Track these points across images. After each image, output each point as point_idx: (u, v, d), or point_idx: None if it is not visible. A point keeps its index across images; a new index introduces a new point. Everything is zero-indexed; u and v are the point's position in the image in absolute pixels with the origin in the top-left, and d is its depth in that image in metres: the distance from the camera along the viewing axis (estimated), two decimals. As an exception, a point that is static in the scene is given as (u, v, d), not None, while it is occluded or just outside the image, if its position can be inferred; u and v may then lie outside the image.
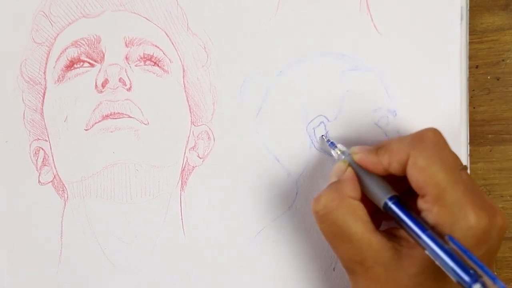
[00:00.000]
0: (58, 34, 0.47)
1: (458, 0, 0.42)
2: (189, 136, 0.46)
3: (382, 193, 0.36)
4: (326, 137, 0.43)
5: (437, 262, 0.32)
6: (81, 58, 0.46)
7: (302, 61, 0.44)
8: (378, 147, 0.37)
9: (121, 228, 0.46)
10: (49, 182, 0.47)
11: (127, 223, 0.46)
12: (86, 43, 0.46)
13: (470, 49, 0.44)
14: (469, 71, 0.44)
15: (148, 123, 0.46)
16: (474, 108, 0.45)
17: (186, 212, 0.46)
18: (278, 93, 0.45)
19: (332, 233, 0.36)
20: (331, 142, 0.42)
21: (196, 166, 0.46)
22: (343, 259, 0.37)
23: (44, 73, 0.47)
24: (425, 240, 0.33)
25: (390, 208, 0.35)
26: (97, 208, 0.46)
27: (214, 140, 0.45)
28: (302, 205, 0.45)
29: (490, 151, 0.46)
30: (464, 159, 0.44)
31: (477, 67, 0.45)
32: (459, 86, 0.42)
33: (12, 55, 0.47)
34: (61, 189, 0.47)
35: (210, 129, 0.45)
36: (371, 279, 0.35)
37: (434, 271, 0.33)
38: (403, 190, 0.37)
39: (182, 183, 0.46)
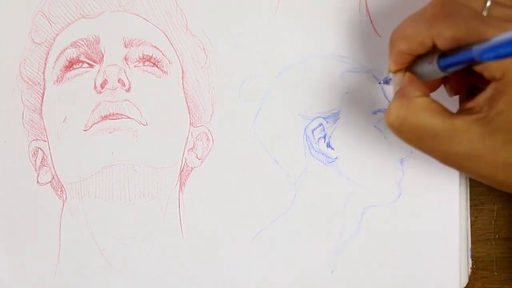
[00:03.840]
0: (57, 35, 0.47)
1: (458, 2, 0.41)
2: (187, 137, 0.46)
3: (430, 58, 0.35)
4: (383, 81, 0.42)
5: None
6: (80, 58, 0.46)
7: (301, 63, 0.44)
8: (390, 43, 0.37)
9: (119, 229, 0.46)
10: (47, 183, 0.47)
11: (126, 224, 0.46)
12: (85, 43, 0.46)
13: (470, 50, 0.44)
14: (469, 72, 0.44)
15: (147, 124, 0.46)
16: (474, 109, 0.45)
17: (184, 213, 0.46)
18: (277, 95, 0.45)
19: (416, 137, 0.35)
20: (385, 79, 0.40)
21: (194, 167, 0.46)
22: (441, 157, 0.35)
23: (43, 73, 0.47)
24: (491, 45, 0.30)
25: (445, 60, 0.34)
26: (96, 209, 0.46)
27: (212, 141, 0.45)
28: (300, 207, 0.45)
29: (490, 151, 0.46)
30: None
31: (477, 67, 0.45)
32: (459, 87, 0.42)
33: (11, 55, 0.47)
34: (59, 190, 0.47)
35: (208, 130, 0.45)
36: (473, 160, 0.34)
37: None
38: None
39: (180, 184, 0.46)
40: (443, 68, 0.35)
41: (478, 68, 0.34)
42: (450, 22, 0.34)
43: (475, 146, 0.33)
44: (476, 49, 0.31)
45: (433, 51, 0.35)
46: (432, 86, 0.39)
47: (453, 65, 0.34)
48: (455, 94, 0.39)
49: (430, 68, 0.36)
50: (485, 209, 0.46)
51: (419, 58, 0.37)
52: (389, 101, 0.43)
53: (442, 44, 0.34)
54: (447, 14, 0.34)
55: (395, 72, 0.38)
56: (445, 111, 0.34)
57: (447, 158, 0.35)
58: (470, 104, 0.34)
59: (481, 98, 0.34)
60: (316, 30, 0.44)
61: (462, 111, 0.35)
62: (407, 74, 0.37)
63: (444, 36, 0.34)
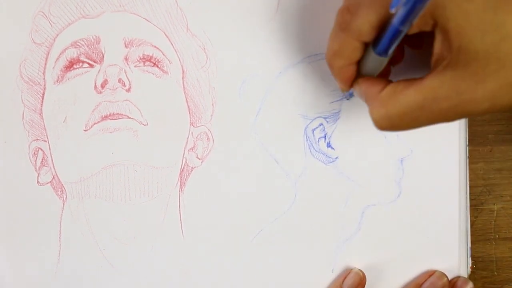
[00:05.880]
0: (57, 35, 0.47)
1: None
2: (188, 137, 0.46)
3: (367, 54, 0.36)
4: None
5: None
6: (80, 58, 0.46)
7: (301, 63, 0.44)
8: (329, 66, 0.38)
9: (119, 229, 0.46)
10: (48, 183, 0.47)
11: (126, 224, 0.46)
12: (85, 43, 0.46)
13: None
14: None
15: (147, 124, 0.46)
16: (474, 109, 0.45)
17: (184, 213, 0.46)
18: (277, 95, 0.45)
19: (410, 120, 0.34)
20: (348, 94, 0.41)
21: (195, 167, 0.46)
22: (442, 119, 0.34)
23: (44, 73, 0.47)
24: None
25: (379, 47, 0.35)
26: (96, 209, 0.46)
27: (213, 141, 0.45)
28: (301, 206, 0.45)
29: (490, 151, 0.46)
30: (464, 159, 0.44)
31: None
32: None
33: (11, 55, 0.47)
34: (60, 190, 0.47)
35: (209, 130, 0.45)
36: (468, 102, 0.33)
37: None
38: None
39: (181, 184, 0.46)
40: (384, 54, 0.35)
41: (413, 30, 0.34)
42: (362, 17, 0.34)
43: (461, 90, 0.32)
44: (395, 20, 0.31)
45: (367, 47, 0.36)
46: (386, 73, 0.40)
47: (390, 45, 0.34)
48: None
49: (374, 62, 0.36)
50: (485, 209, 0.46)
51: (360, 62, 0.37)
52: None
53: (368, 37, 0.35)
54: (354, 13, 0.35)
55: (348, 89, 0.39)
56: (413, 82, 0.34)
57: (448, 116, 0.34)
58: (432, 62, 0.34)
59: (437, 49, 0.34)
60: (316, 30, 0.44)
61: (431, 71, 0.34)
62: (360, 81, 0.38)
63: (364, 32, 0.34)
